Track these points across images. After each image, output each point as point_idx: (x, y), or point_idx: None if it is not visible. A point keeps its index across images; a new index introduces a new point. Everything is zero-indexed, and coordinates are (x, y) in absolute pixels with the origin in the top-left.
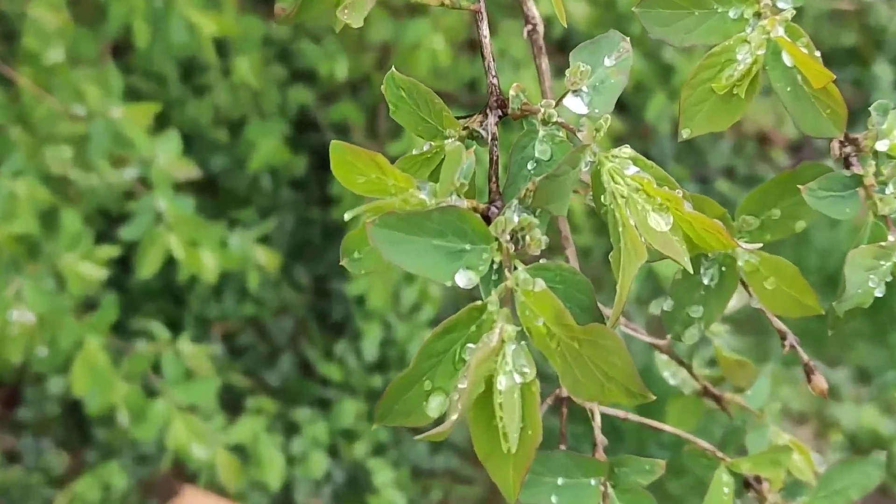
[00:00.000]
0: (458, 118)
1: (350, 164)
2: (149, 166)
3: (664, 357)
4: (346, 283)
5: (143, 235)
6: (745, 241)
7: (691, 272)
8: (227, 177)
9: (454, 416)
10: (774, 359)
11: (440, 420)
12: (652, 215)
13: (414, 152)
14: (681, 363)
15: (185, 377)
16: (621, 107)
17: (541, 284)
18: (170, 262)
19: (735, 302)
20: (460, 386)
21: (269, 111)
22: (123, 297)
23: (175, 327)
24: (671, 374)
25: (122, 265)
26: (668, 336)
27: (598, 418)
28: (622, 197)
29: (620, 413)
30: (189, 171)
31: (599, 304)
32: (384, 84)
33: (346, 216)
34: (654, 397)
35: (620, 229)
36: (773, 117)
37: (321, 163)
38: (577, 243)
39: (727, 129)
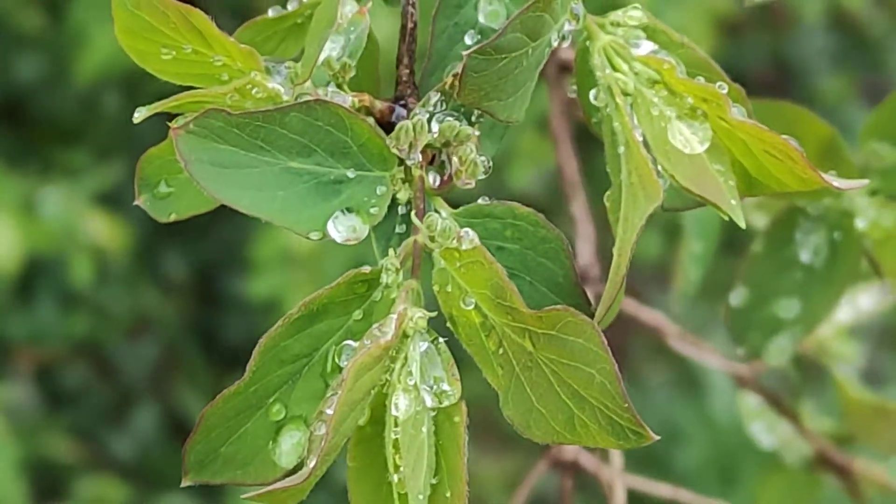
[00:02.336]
0: None
1: (148, 27)
2: None
3: (751, 400)
4: (247, 277)
5: None
6: (873, 187)
7: (742, 224)
8: (42, 92)
9: (312, 464)
10: None
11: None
12: (676, 126)
13: (271, 14)
14: (781, 409)
15: None
16: None
17: (471, 239)
18: None
19: (871, 299)
20: (327, 412)
21: None
22: None
23: None
24: (765, 428)
25: None
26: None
27: (620, 499)
28: (626, 95)
29: (664, 490)
30: None
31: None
32: None
33: (137, 114)
34: (657, 437)
35: (622, 150)
36: None
37: None
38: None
39: None
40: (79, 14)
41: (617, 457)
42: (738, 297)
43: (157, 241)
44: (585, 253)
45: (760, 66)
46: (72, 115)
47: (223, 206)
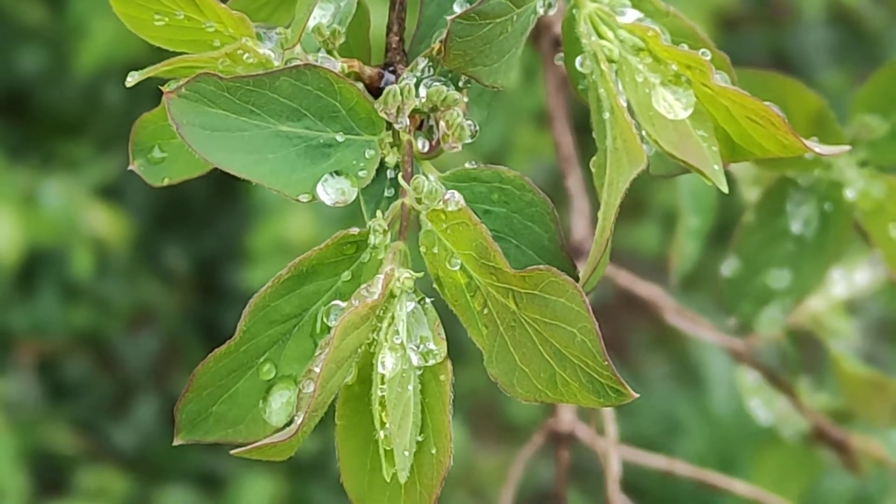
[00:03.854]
0: None
1: None
2: None
3: (749, 376)
4: (245, 268)
5: None
6: (863, 158)
7: (725, 189)
8: (43, 85)
9: (300, 420)
10: None
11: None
12: (660, 93)
13: None
14: (778, 384)
15: None
16: None
17: (457, 201)
18: None
19: (866, 274)
20: (315, 370)
21: None
22: None
23: None
24: (762, 403)
25: None
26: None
27: (614, 470)
28: (611, 62)
29: (660, 462)
30: None
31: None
32: None
33: (130, 78)
34: (636, 395)
35: (606, 116)
36: None
37: None
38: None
39: None
40: (79, 6)
41: (612, 428)
42: (729, 267)
43: (157, 233)
44: (580, 227)
45: (760, 61)
46: (73, 107)
47: (224, 199)
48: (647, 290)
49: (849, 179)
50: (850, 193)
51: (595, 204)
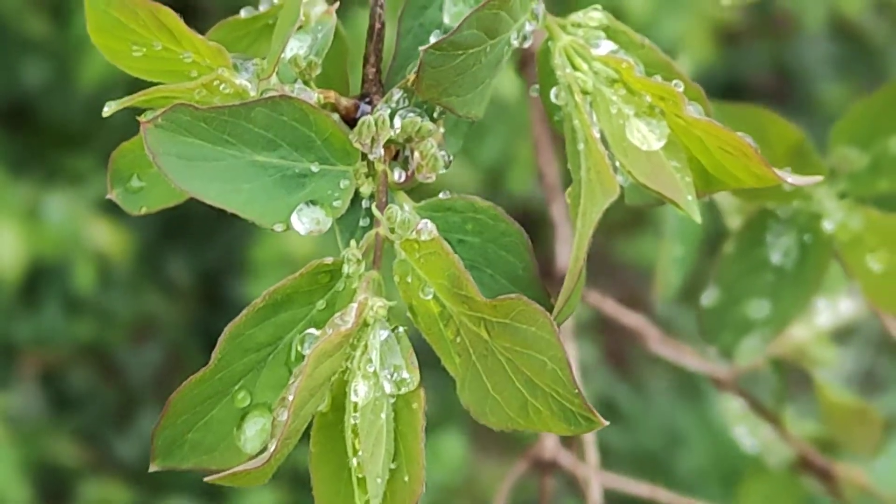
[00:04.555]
0: None
1: (119, 25)
2: None
3: (735, 403)
4: (247, 281)
5: None
6: (842, 190)
7: (698, 219)
8: (47, 98)
9: (273, 448)
10: None
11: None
12: (634, 124)
13: (243, 15)
14: (763, 412)
15: None
16: None
17: (430, 230)
18: None
19: (850, 304)
20: (288, 397)
21: None
22: None
23: None
24: (748, 431)
25: None
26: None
27: (595, 497)
28: (585, 94)
29: (642, 489)
30: None
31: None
32: None
33: (106, 108)
34: (605, 423)
35: (581, 147)
36: None
37: None
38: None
39: None
40: (82, 19)
41: (592, 454)
42: (709, 297)
43: (160, 246)
44: (564, 255)
45: (761, 74)
46: (77, 120)
47: (226, 212)
48: (631, 319)
49: (828, 211)
50: (828, 225)
51: None
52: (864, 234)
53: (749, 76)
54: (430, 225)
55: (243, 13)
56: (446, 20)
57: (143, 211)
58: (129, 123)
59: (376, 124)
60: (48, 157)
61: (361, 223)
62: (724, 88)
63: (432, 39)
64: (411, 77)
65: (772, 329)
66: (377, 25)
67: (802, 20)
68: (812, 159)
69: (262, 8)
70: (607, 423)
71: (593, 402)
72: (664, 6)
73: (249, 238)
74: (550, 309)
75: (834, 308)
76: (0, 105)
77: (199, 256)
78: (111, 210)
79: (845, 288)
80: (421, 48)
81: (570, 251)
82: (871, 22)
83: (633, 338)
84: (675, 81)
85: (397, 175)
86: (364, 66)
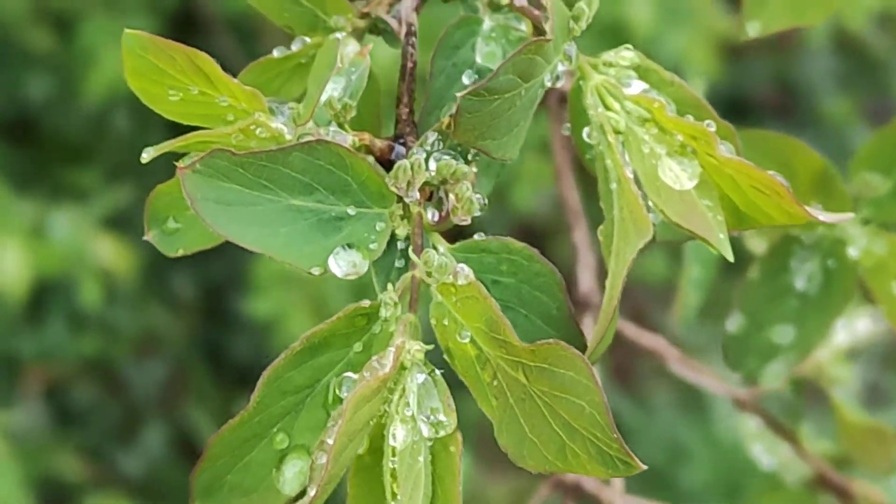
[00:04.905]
0: None
1: (156, 70)
2: None
3: (752, 422)
4: (250, 297)
5: None
6: (866, 216)
7: (731, 257)
8: (51, 112)
9: (313, 492)
10: None
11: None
12: (666, 163)
13: (275, 54)
14: (780, 431)
15: None
16: None
17: (467, 274)
18: None
19: (867, 323)
20: (327, 441)
21: None
22: None
23: None
24: (765, 449)
25: None
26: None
27: None
28: (617, 133)
29: None
30: None
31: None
32: None
33: (145, 154)
34: (644, 466)
35: (613, 186)
36: None
37: None
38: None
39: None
40: (87, 34)
41: (617, 479)
42: (734, 323)
43: (165, 262)
44: (586, 280)
45: (765, 89)
46: (81, 134)
47: None
48: (651, 340)
49: (852, 237)
50: (853, 251)
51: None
52: (889, 260)
53: (753, 91)
54: (467, 269)
55: (276, 53)
56: (479, 60)
57: (180, 253)
58: (133, 139)
59: (412, 168)
60: (52, 171)
61: (397, 264)
62: (728, 103)
63: (465, 79)
64: (446, 120)
65: (796, 354)
66: (409, 65)
67: (805, 35)
68: (837, 186)
69: (295, 47)
70: (645, 466)
71: None
72: (668, 21)
73: (252, 254)
74: (583, 347)
75: (851, 327)
76: (4, 119)
77: (203, 272)
78: (116, 226)
79: (860, 306)
80: (458, 94)
81: (599, 275)
82: (873, 36)
83: (649, 357)
84: (706, 122)
85: (432, 215)
86: (397, 105)
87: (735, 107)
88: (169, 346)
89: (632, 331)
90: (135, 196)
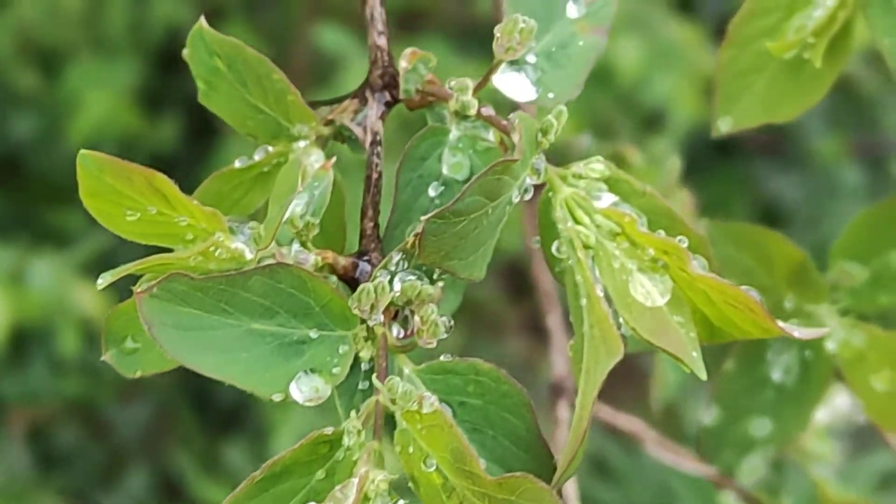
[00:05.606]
0: (314, 104)
1: (112, 191)
2: None
3: (730, 498)
4: None
5: None
6: (844, 306)
7: (704, 376)
8: (36, 152)
9: None
10: None
11: None
12: (637, 279)
13: (237, 165)
14: None
15: None
16: None
17: (432, 402)
18: None
19: (844, 404)
20: None
21: (112, 37)
22: None
23: None
24: None
25: None
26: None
27: None
28: (587, 248)
29: None
30: None
31: None
32: (187, 47)
33: (101, 280)
34: None
35: (584, 303)
36: None
37: (197, 128)
38: None
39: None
40: (73, 76)
41: None
42: (710, 415)
43: None
44: (560, 365)
45: (753, 129)
46: (66, 176)
47: None
48: (627, 422)
49: (830, 330)
50: (830, 344)
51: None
52: (867, 353)
53: (741, 131)
54: (433, 397)
55: (237, 163)
56: (445, 171)
57: (139, 374)
58: None
59: (376, 291)
60: (36, 213)
61: (361, 387)
62: (716, 144)
63: (431, 192)
64: (411, 240)
65: (773, 446)
66: (374, 175)
67: None
68: (814, 278)
69: (257, 157)
70: None
71: (584, 461)
72: (655, 63)
73: None
74: (553, 469)
75: (830, 403)
76: None
77: None
78: (98, 268)
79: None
80: (422, 217)
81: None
82: (862, 73)
83: (628, 439)
84: (678, 237)
85: (396, 332)
86: (362, 219)
87: (723, 148)
88: (153, 388)
89: (608, 413)
90: (117, 240)
